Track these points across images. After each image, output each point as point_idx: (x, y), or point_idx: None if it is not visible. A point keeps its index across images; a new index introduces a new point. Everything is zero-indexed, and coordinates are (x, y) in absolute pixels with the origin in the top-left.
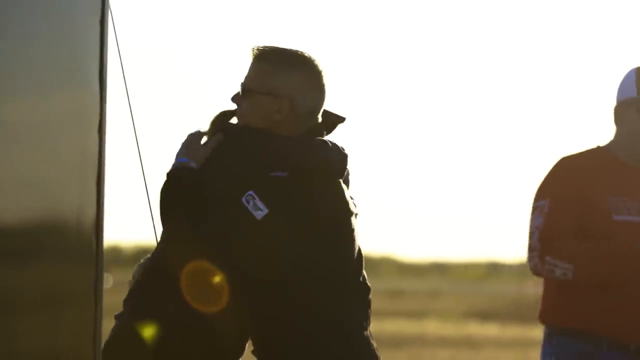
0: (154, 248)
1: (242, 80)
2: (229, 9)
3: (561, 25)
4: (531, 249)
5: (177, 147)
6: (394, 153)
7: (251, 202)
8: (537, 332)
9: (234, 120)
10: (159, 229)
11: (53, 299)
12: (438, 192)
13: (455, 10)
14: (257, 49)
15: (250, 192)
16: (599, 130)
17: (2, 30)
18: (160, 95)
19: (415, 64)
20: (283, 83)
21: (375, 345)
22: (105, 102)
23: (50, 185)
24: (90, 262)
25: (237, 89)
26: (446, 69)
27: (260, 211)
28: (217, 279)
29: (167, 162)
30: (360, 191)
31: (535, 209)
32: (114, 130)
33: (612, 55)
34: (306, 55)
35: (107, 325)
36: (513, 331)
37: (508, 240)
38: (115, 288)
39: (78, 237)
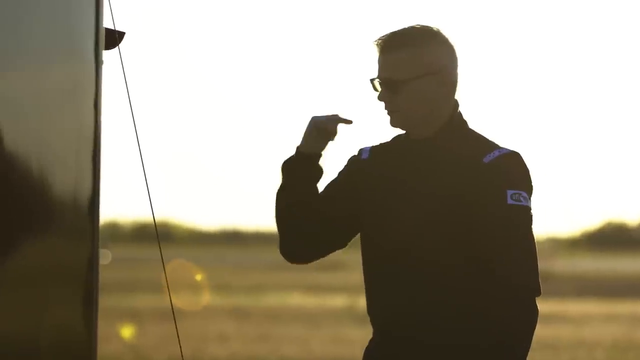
0: (151, 224)
1: (380, 76)
2: None
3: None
4: None
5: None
6: None
7: (522, 199)
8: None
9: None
10: (156, 206)
11: (49, 274)
12: None
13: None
14: (382, 41)
15: (512, 191)
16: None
17: None
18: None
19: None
20: (433, 57)
21: None
22: (101, 78)
23: (46, 160)
24: (86, 238)
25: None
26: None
27: (529, 201)
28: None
29: (163, 137)
30: None
31: None
32: (110, 106)
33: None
34: (429, 27)
35: (105, 301)
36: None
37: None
38: (113, 264)
39: (74, 213)
